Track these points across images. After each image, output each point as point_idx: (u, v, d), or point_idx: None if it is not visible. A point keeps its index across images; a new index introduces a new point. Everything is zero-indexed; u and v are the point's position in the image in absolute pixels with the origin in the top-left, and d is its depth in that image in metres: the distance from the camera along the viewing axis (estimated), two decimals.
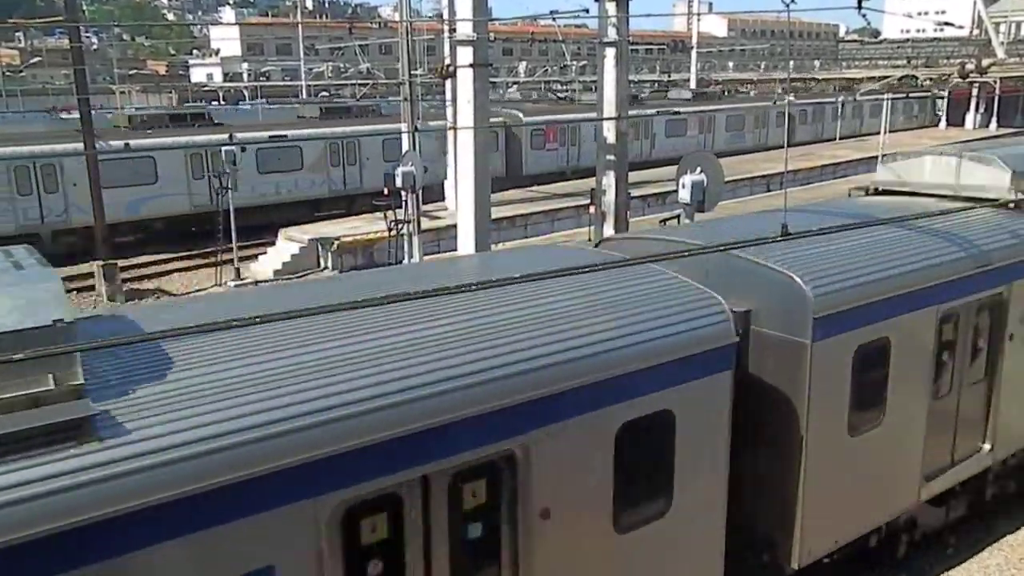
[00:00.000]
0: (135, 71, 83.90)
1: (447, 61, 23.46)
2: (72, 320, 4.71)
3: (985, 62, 16.85)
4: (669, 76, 77.26)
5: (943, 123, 66.63)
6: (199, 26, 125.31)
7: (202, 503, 4.57)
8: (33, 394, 4.42)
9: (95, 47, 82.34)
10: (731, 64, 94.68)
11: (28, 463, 4.20)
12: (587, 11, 24.21)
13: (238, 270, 25.31)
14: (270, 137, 32.47)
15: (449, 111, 26.64)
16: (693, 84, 63.99)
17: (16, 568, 4.13)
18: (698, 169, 14.36)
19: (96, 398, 4.62)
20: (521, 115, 40.88)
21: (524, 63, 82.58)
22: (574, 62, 64.72)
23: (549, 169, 40.24)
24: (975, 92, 63.46)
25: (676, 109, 45.18)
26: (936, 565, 9.76)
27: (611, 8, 18.79)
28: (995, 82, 55.10)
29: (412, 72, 25.13)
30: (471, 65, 16.88)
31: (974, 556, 9.90)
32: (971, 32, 79.88)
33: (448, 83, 25.48)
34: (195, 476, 4.53)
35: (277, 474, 4.80)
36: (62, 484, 4.21)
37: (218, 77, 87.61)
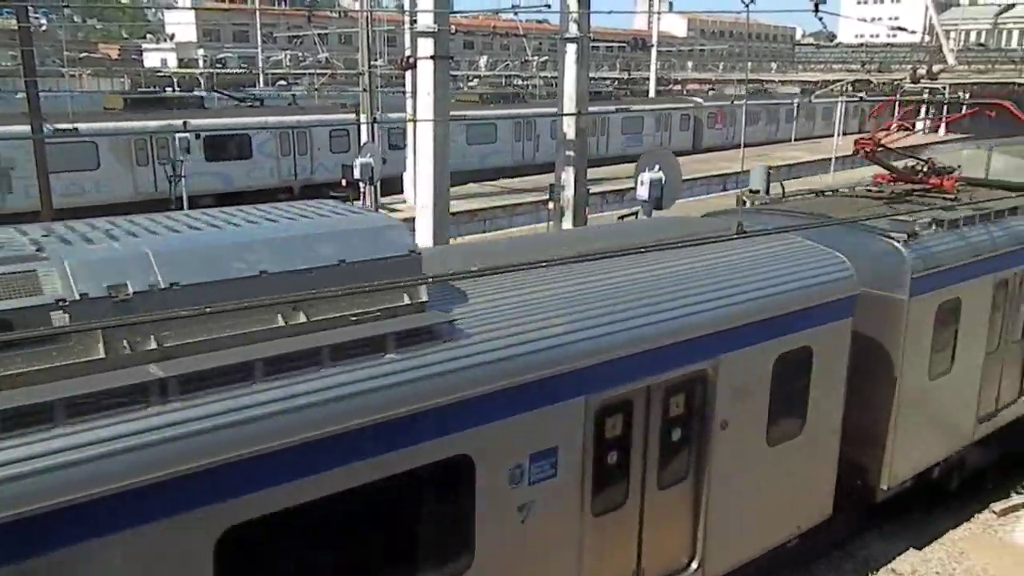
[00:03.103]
0: (86, 54, 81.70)
1: (408, 52, 23.29)
2: (420, 251, 5.94)
3: (936, 68, 17.27)
4: (629, 74, 77.71)
5: (893, 127, 67.98)
6: (153, 9, 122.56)
7: (516, 394, 5.88)
8: (392, 308, 5.62)
9: (44, 28, 79.94)
10: (690, 64, 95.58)
11: (411, 355, 5.46)
12: (548, 6, 24.30)
13: None
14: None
15: (409, 103, 26.46)
16: (653, 83, 64.36)
17: (406, 432, 5.38)
18: (656, 167, 14.51)
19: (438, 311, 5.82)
20: (701, 101, 53.13)
21: (485, 57, 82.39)
22: (535, 57, 64.74)
23: (718, 143, 51.49)
24: (924, 97, 64.96)
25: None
26: (880, 558, 9.99)
27: (572, 4, 18.82)
28: (944, 88, 56.52)
29: (372, 63, 24.91)
30: (432, 57, 16.79)
31: (917, 550, 10.14)
32: (923, 39, 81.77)
33: (408, 75, 25.29)
34: (513, 374, 5.84)
35: (563, 375, 6.13)
36: (416, 376, 5.39)
37: (172, 63, 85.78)
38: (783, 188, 12.15)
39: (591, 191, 21.15)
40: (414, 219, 18.33)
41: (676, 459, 7.27)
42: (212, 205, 28.57)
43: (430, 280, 5.74)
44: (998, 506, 11.07)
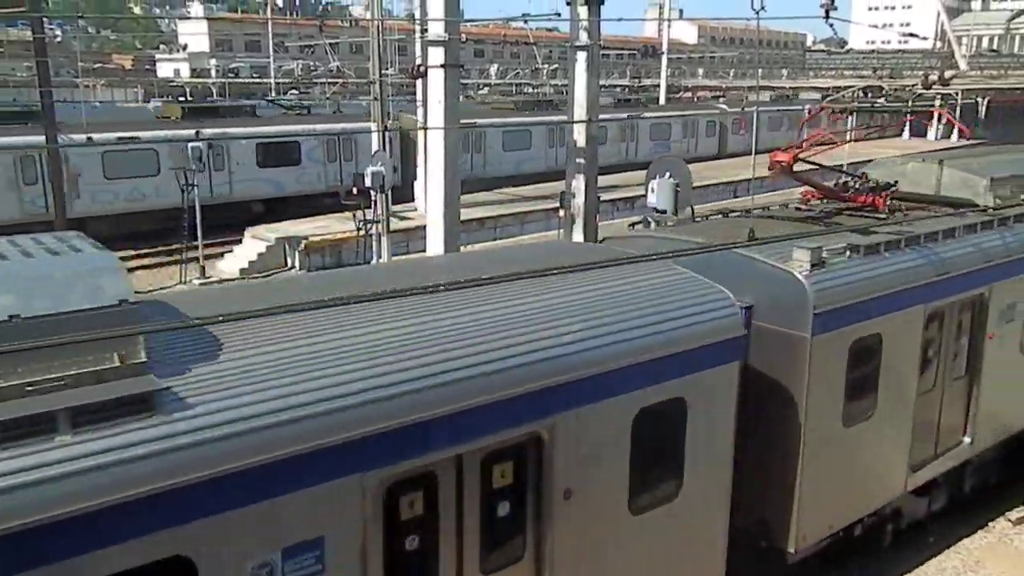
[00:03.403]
0: (99, 65, 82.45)
1: (418, 61, 23.39)
2: (136, 301, 4.91)
3: (948, 73, 17.19)
4: (639, 81, 77.75)
5: (906, 134, 67.79)
6: (167, 20, 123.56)
7: (259, 475, 4.72)
8: (100, 370, 4.55)
9: (59, 39, 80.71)
10: (701, 71, 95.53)
11: (94, 435, 4.31)
12: (559, 15, 24.35)
13: (203, 268, 24.99)
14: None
15: (420, 111, 26.56)
16: (663, 90, 64.40)
17: (86, 532, 4.19)
18: (667, 174, 14.47)
19: (158, 374, 4.77)
20: (726, 107, 55.42)
21: (496, 65, 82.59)
22: (545, 65, 64.80)
23: (741, 148, 51.92)
24: (937, 104, 64.69)
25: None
26: (893, 568, 9.91)
27: (583, 12, 18.84)
28: (957, 94, 56.31)
29: (383, 72, 25.00)
30: (442, 66, 16.85)
31: (931, 559, 10.06)
32: (934, 45, 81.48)
33: (419, 83, 25.39)
34: (254, 451, 4.71)
35: (328, 450, 4.96)
36: (126, 456, 4.32)
37: (185, 73, 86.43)
38: (692, 209, 11.09)
39: (602, 198, 21.15)
40: (425, 227, 18.39)
41: (505, 537, 6.22)
42: (263, 210, 31.49)
43: (121, 336, 4.56)
44: (1014, 515, 10.99)
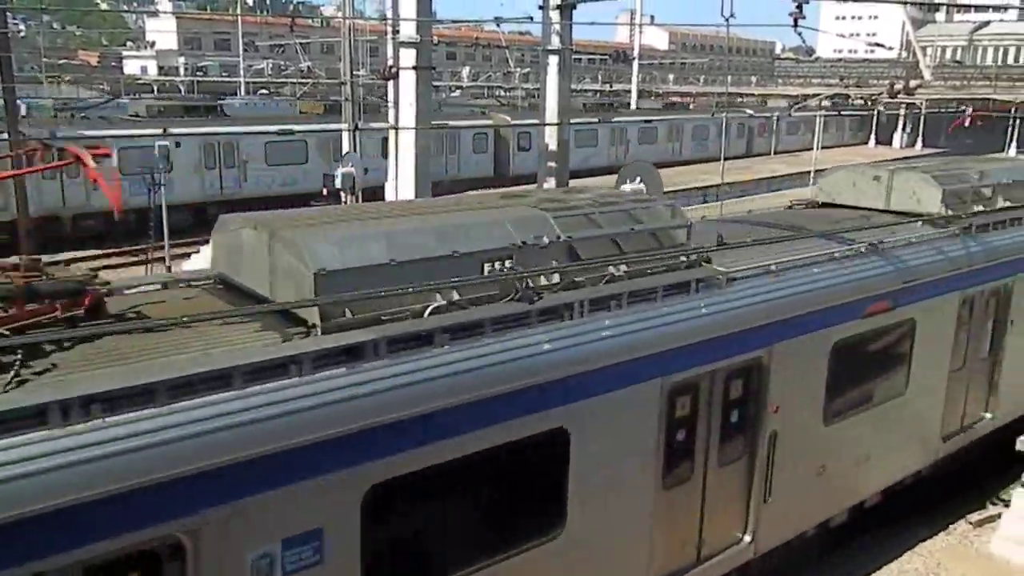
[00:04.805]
0: (65, 61, 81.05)
1: (390, 62, 23.30)
2: None
3: (912, 83, 17.49)
4: (611, 86, 78.16)
5: (872, 142, 68.92)
6: (134, 17, 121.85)
7: None
8: None
9: (22, 34, 79.29)
10: (671, 76, 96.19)
11: None
12: (531, 18, 24.39)
13: (169, 268, 24.63)
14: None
15: (391, 112, 26.43)
16: (635, 95, 64.86)
17: None
18: (637, 179, 14.54)
19: None
20: (751, 111, 60.71)
21: (468, 68, 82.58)
22: (517, 68, 64.96)
23: (763, 150, 58.27)
24: (902, 112, 65.86)
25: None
26: (856, 569, 10.03)
27: (555, 16, 18.92)
28: (922, 103, 57.32)
29: (354, 73, 24.87)
30: (414, 67, 16.82)
31: (893, 560, 10.19)
32: (900, 55, 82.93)
33: (391, 85, 25.26)
34: None
35: None
36: None
37: (153, 70, 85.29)
38: None
39: None
40: None
41: None
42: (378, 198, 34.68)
43: None
44: (974, 517, 11.16)
